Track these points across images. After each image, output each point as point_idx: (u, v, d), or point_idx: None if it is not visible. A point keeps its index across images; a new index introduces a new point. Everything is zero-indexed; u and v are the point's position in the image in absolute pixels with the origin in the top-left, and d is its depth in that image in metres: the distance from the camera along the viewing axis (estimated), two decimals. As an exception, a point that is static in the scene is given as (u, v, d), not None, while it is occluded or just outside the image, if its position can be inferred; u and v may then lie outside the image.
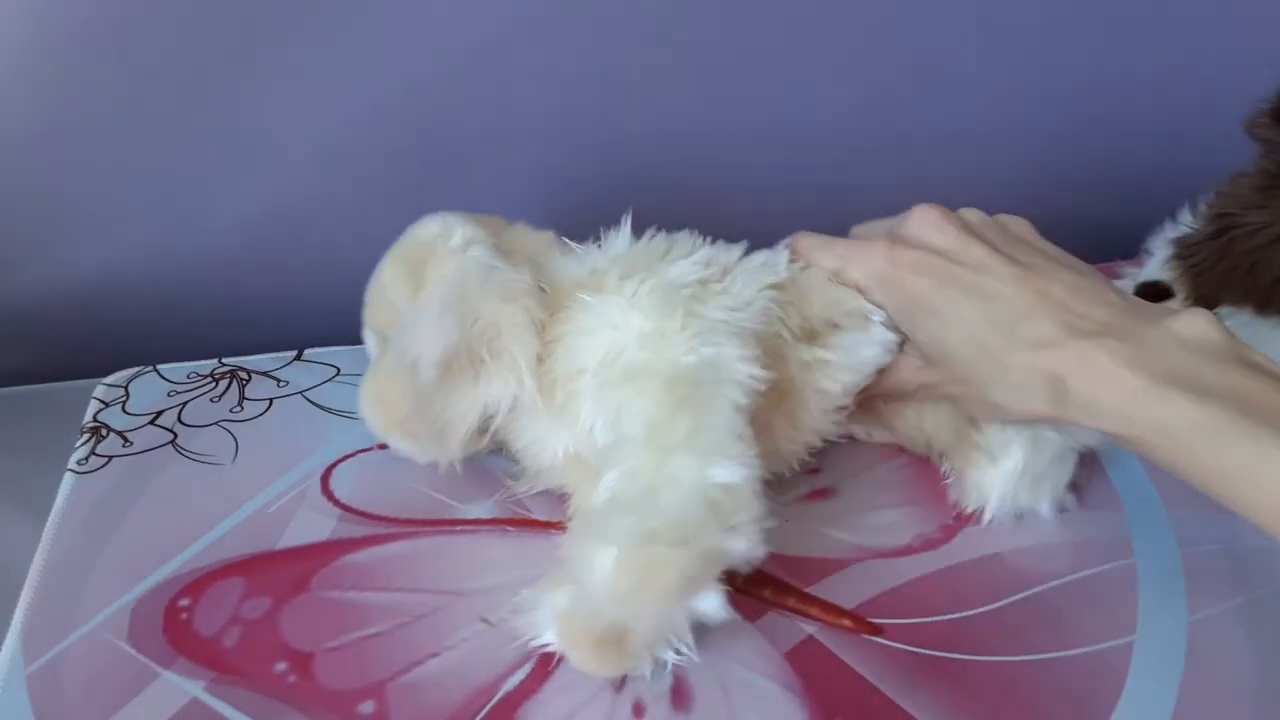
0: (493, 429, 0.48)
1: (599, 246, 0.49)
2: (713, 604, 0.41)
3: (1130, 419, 0.39)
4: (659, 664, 0.42)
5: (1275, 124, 0.55)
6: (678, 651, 0.42)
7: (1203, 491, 0.39)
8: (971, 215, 0.48)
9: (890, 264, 0.46)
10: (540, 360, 0.46)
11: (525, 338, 0.45)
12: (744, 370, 0.44)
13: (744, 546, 0.41)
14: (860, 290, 0.48)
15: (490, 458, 0.54)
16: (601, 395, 0.45)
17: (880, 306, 0.47)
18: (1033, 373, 0.42)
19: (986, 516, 0.49)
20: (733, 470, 0.41)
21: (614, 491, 0.41)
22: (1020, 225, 0.49)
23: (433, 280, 0.47)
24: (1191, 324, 0.40)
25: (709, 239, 0.50)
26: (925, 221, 0.46)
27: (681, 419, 0.42)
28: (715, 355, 0.44)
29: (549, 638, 0.42)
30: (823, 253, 0.49)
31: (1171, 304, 0.58)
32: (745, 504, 0.41)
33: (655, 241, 0.49)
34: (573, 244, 0.50)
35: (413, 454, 0.51)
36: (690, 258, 0.48)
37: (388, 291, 0.49)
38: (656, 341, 0.45)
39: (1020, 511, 0.50)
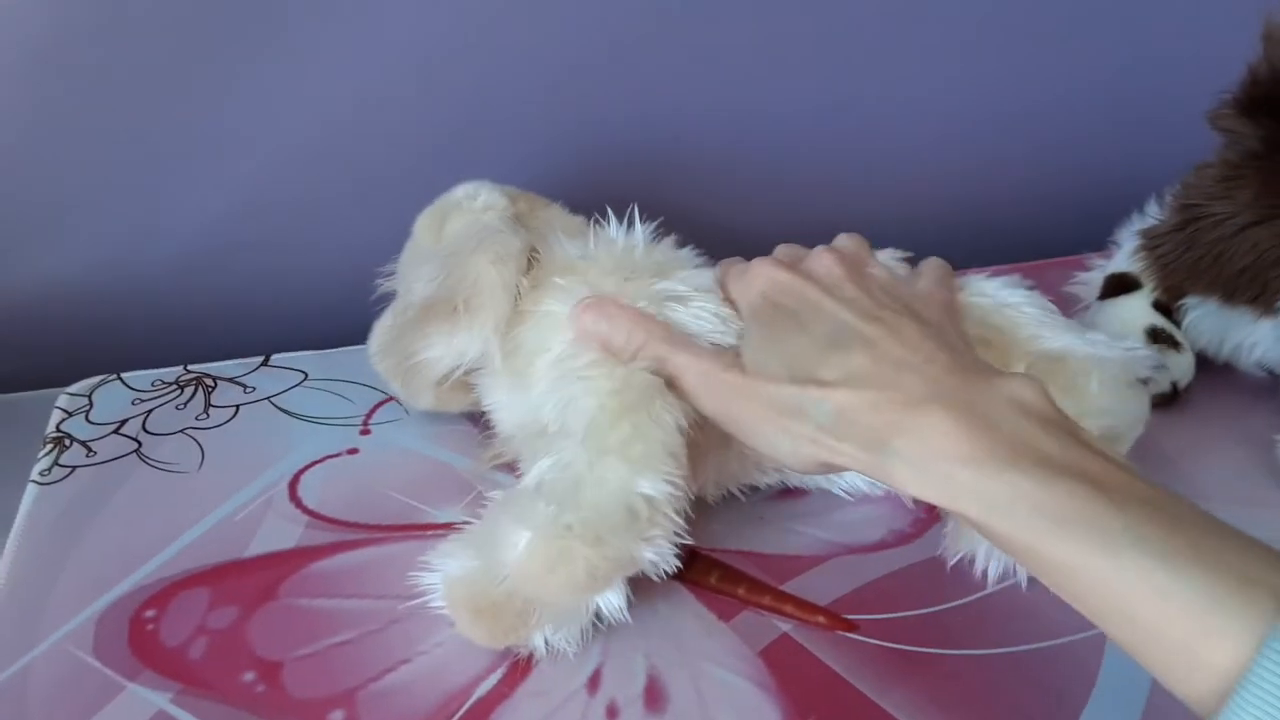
0: (474, 391, 0.52)
1: (610, 234, 0.50)
2: (613, 602, 0.42)
3: (960, 488, 0.36)
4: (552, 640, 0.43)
5: (1238, 115, 0.56)
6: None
7: (1030, 571, 0.35)
8: (876, 269, 0.45)
9: (767, 282, 0.45)
10: (511, 326, 0.48)
11: (499, 299, 0.47)
12: None
13: (653, 558, 0.42)
14: (736, 303, 0.46)
15: (459, 460, 0.53)
16: (557, 383, 0.45)
17: (742, 314, 0.46)
18: (855, 409, 0.38)
19: (978, 566, 0.46)
20: (658, 485, 0.42)
21: (543, 478, 0.43)
22: (933, 289, 0.46)
23: (449, 232, 0.51)
24: (1027, 391, 0.37)
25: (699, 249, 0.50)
26: (823, 259, 0.45)
27: (623, 425, 0.42)
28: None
29: (438, 600, 0.44)
30: (724, 270, 0.48)
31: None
32: (663, 519, 0.42)
33: (658, 251, 0.49)
34: (607, 227, 0.50)
35: (396, 393, 0.55)
36: (681, 275, 0.48)
37: (416, 238, 0.53)
38: None
39: (1019, 570, 0.46)
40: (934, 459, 0.36)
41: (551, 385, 0.46)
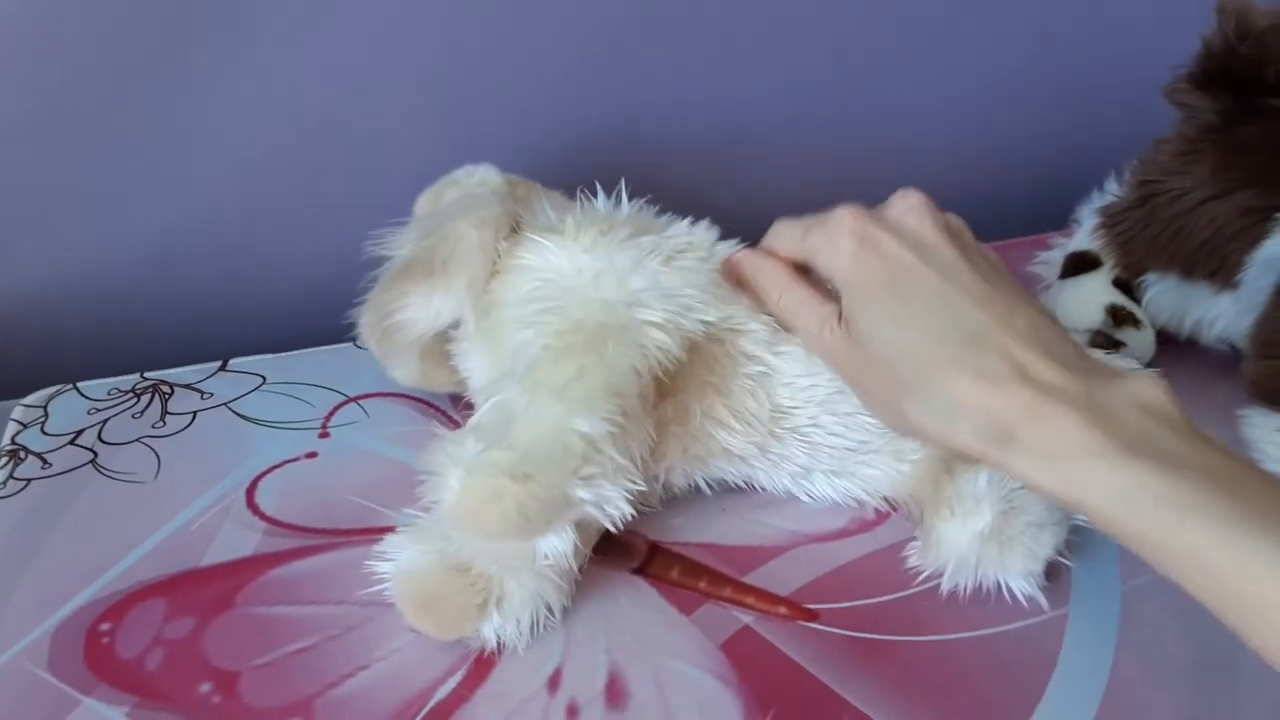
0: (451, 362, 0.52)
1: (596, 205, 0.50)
2: (557, 546, 0.41)
3: (1084, 481, 0.36)
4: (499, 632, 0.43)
5: (1194, 89, 0.56)
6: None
7: (1155, 567, 0.35)
8: (955, 220, 0.44)
9: (858, 239, 0.42)
10: (488, 285, 0.48)
11: (476, 260, 0.47)
12: (656, 337, 0.44)
13: (592, 498, 0.41)
14: (811, 258, 0.44)
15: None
16: (515, 327, 0.46)
17: (829, 275, 0.43)
18: (976, 404, 0.38)
19: (946, 579, 0.45)
20: (595, 423, 0.41)
21: (481, 418, 0.42)
22: (989, 249, 0.45)
23: (442, 202, 0.53)
24: (1149, 389, 0.37)
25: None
26: (909, 206, 0.43)
27: (567, 363, 0.42)
28: (634, 316, 0.44)
29: (390, 591, 0.44)
30: (790, 229, 0.46)
31: (1118, 360, 0.54)
32: (601, 459, 0.41)
33: (640, 216, 0.50)
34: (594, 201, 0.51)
35: (374, 350, 0.53)
36: (668, 231, 0.49)
37: (416, 213, 0.54)
38: (590, 281, 0.45)
39: (984, 581, 0.45)
40: (1058, 453, 0.36)
41: (510, 333, 0.46)
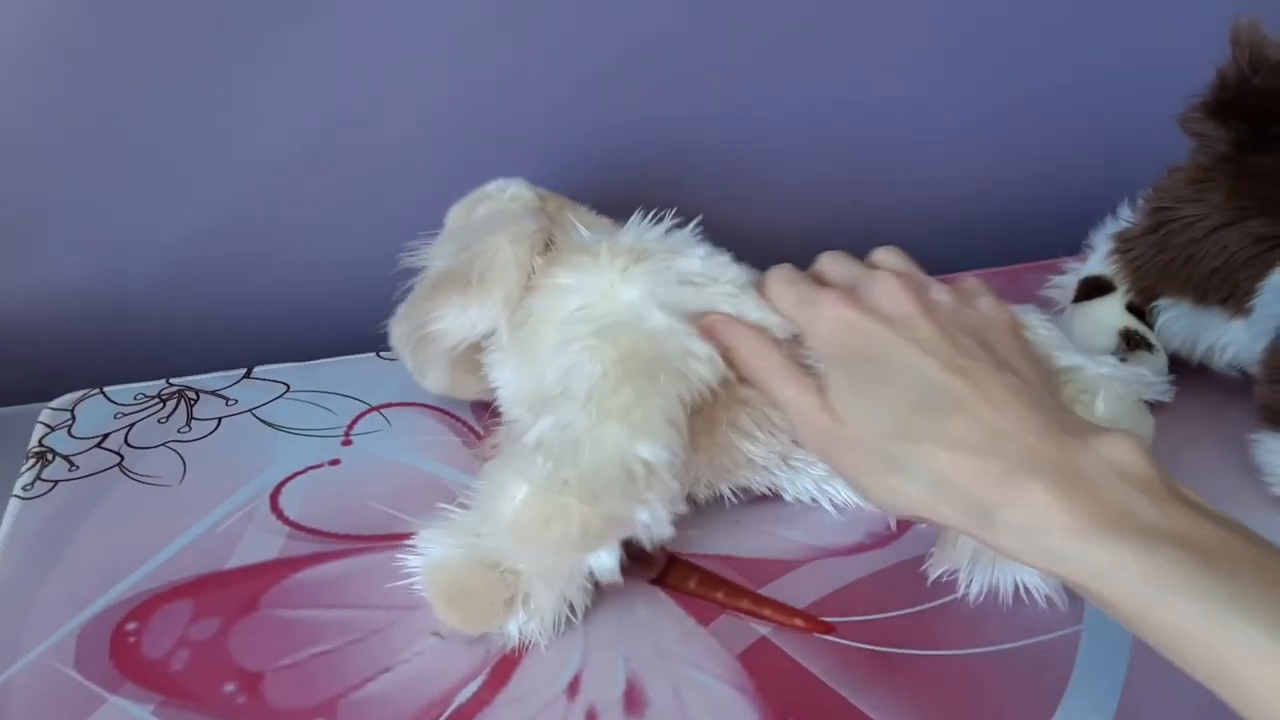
0: (485, 377, 0.53)
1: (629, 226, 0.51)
2: (606, 562, 0.44)
3: (1064, 559, 0.36)
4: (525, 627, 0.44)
5: (1207, 118, 0.56)
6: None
7: (1142, 639, 0.36)
8: (939, 294, 0.46)
9: (837, 322, 0.45)
10: (522, 299, 0.49)
11: (511, 275, 0.49)
12: (698, 370, 0.46)
13: (648, 520, 0.43)
14: (802, 332, 0.47)
15: (440, 469, 0.54)
16: (562, 348, 0.47)
17: (814, 350, 0.47)
18: (954, 476, 0.39)
19: (962, 575, 0.46)
20: (656, 450, 0.43)
21: (543, 436, 0.44)
22: (995, 312, 0.47)
23: (475, 217, 0.54)
24: (1124, 451, 0.38)
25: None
26: (886, 289, 0.45)
27: (625, 390, 0.44)
28: (679, 347, 0.46)
29: (419, 584, 0.45)
30: (782, 290, 0.48)
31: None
32: (660, 483, 0.43)
33: (673, 238, 0.51)
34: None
35: (406, 363, 0.55)
36: (697, 253, 0.50)
37: (448, 226, 0.55)
38: (635, 311, 0.47)
39: (1002, 585, 0.46)
40: (1037, 531, 0.37)
41: (556, 351, 0.47)
